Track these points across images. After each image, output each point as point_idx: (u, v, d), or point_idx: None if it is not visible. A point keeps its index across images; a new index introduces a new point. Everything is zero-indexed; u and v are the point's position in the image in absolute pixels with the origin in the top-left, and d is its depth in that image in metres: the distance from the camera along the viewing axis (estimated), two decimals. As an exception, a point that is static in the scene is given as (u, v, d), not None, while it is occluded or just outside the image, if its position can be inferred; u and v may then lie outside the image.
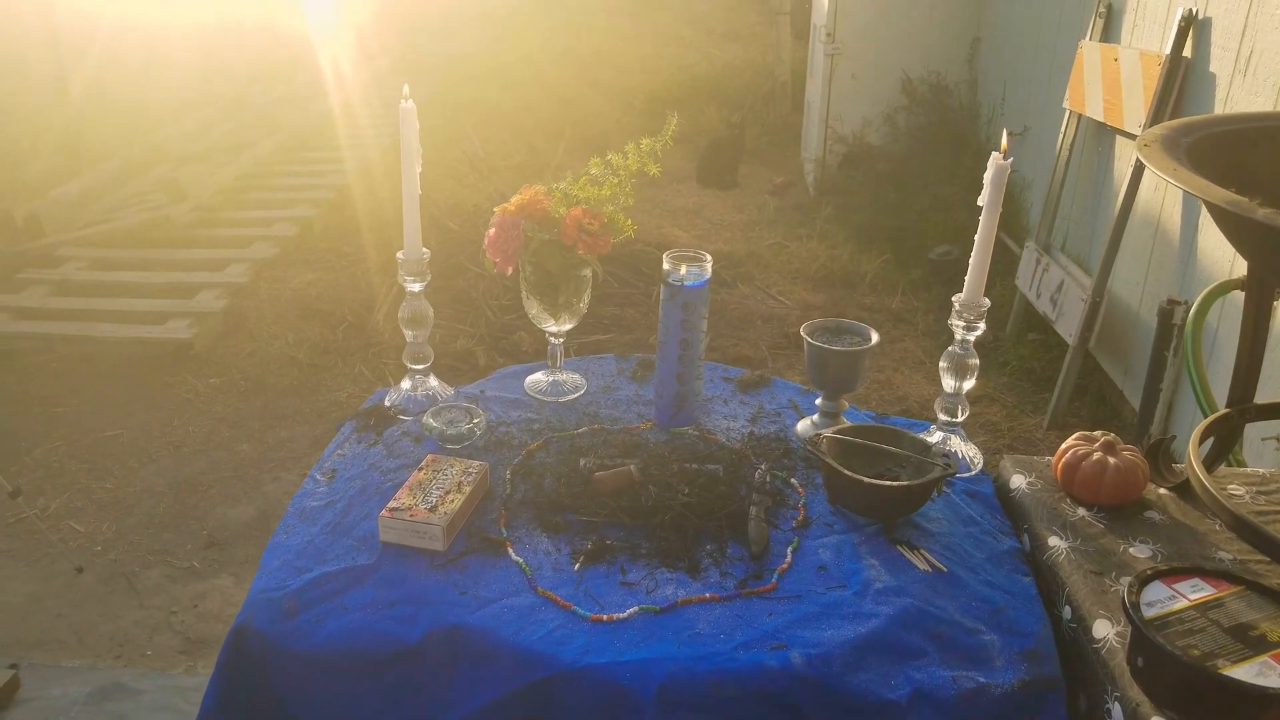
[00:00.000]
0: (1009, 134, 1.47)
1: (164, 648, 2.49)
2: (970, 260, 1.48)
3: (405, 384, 1.67)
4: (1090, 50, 3.89)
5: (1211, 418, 1.37)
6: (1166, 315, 3.10)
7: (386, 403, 1.66)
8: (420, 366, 1.66)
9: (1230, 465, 2.17)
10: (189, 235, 4.99)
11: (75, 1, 5.36)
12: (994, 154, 1.41)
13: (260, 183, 5.86)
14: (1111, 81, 3.67)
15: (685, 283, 1.48)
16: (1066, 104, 4.11)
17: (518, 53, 8.67)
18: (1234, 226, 1.05)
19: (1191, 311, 2.52)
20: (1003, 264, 4.79)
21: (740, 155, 6.59)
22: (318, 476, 1.47)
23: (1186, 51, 3.22)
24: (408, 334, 1.64)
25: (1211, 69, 3.09)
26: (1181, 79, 3.25)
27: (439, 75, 8.25)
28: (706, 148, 6.59)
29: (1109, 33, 3.92)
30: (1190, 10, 3.18)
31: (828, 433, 1.40)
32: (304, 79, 7.47)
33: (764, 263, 5.06)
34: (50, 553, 2.80)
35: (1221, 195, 0.97)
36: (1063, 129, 4.14)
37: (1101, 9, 3.94)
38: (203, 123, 6.46)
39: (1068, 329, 3.76)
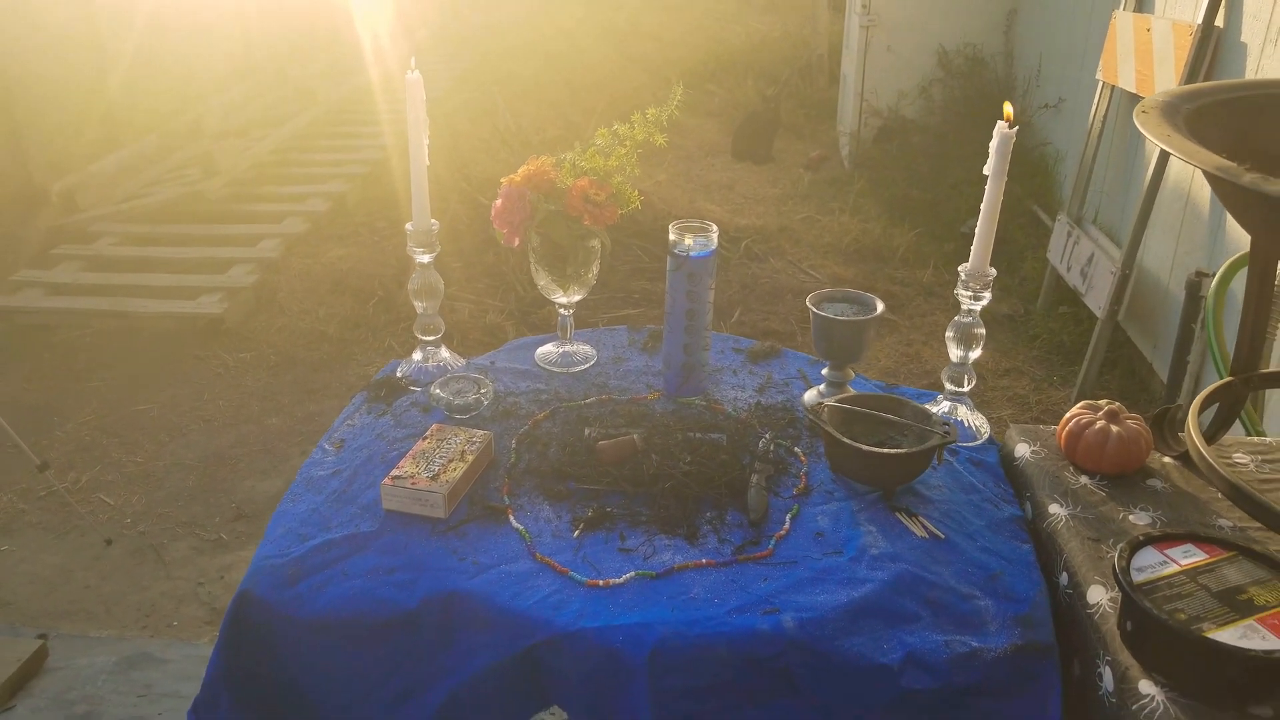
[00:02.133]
0: (1013, 118, 1.46)
1: (190, 618, 2.55)
2: (976, 230, 1.47)
3: (416, 355, 1.70)
4: (1124, 20, 3.82)
5: (1213, 386, 1.36)
6: (1194, 287, 3.05)
7: (398, 374, 1.69)
8: (431, 338, 1.69)
9: (1250, 435, 2.15)
10: (222, 210, 5.06)
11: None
12: (999, 123, 1.40)
13: (295, 157, 5.92)
14: (1144, 52, 3.60)
15: (691, 253, 1.49)
16: (1100, 75, 4.03)
17: (557, 26, 8.66)
18: (1226, 192, 1.04)
19: (1214, 282, 2.49)
20: (1035, 237, 4.74)
21: (775, 129, 6.55)
22: (326, 446, 1.50)
23: (1219, 21, 3.16)
24: (418, 305, 1.67)
25: (1243, 38, 3.02)
26: (1213, 49, 3.18)
27: (478, 48, 8.26)
28: (742, 121, 6.56)
29: (1143, 3, 3.84)
30: (1225, -23, 3.11)
31: (829, 401, 1.41)
32: (343, 52, 7.52)
33: (796, 237, 5.04)
34: (80, 525, 2.88)
35: (1211, 161, 0.96)
36: (1095, 101, 4.07)
37: (1136, -23, 3.86)
38: (241, 97, 6.52)
39: (1097, 301, 3.72)
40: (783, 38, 8.61)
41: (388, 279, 4.43)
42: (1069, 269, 4.10)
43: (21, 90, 4.77)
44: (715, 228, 1.52)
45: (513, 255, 4.44)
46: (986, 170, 1.42)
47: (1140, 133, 3.93)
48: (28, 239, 4.65)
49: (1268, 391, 2.76)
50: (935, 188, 5.34)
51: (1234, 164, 0.93)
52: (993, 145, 1.41)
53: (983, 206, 1.45)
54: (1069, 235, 4.14)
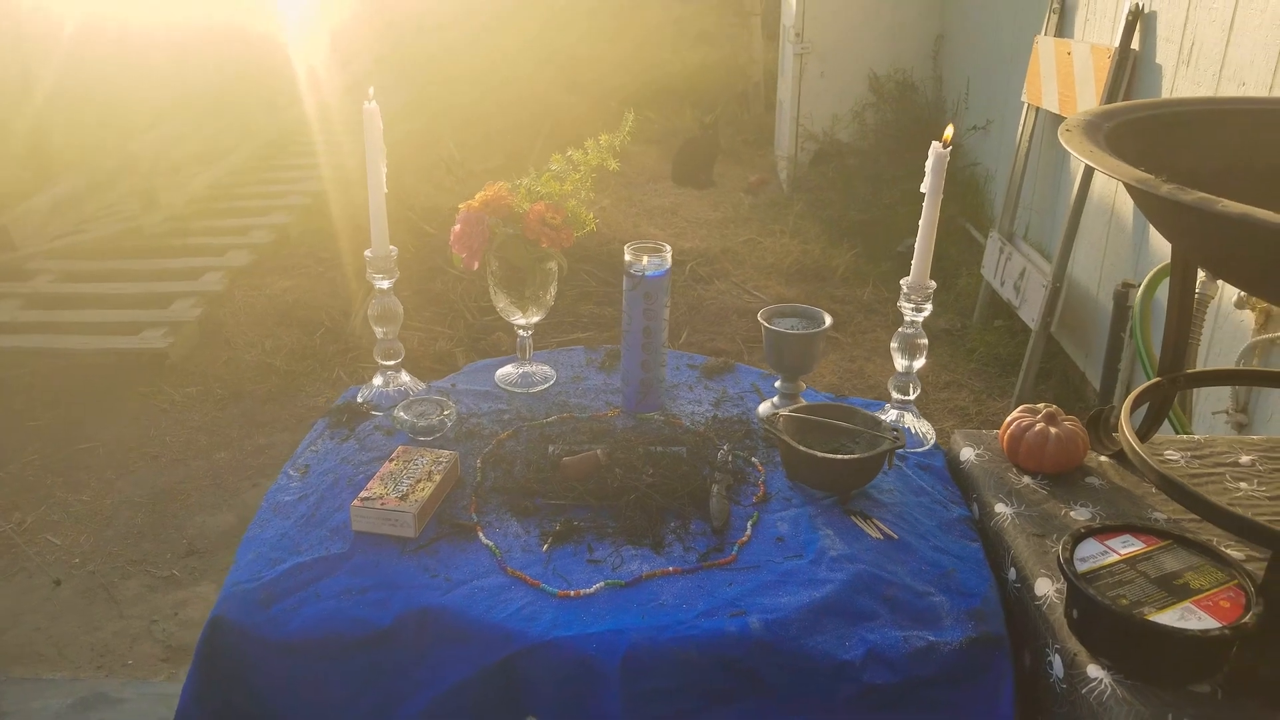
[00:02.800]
0: (949, 140, 1.54)
1: (146, 656, 2.51)
2: (915, 245, 1.54)
3: (377, 380, 1.72)
4: (1045, 45, 3.99)
5: (1142, 386, 1.44)
6: (1122, 298, 3.19)
7: (359, 399, 1.71)
8: (391, 362, 1.71)
9: (1177, 435, 2.26)
10: (163, 245, 5.00)
11: (40, 5, 5.35)
12: (934, 143, 1.48)
13: (235, 190, 5.87)
14: (1065, 74, 3.76)
15: (646, 273, 1.54)
16: (1025, 98, 4.20)
17: (497, 55, 8.71)
18: (1146, 203, 1.12)
19: (1140, 291, 2.61)
20: (969, 254, 4.89)
21: (715, 154, 6.67)
22: (291, 472, 1.51)
23: (1135, 44, 3.32)
24: (378, 330, 1.69)
25: (1158, 60, 3.18)
26: (1130, 70, 3.34)
27: (417, 79, 8.28)
28: (681, 147, 6.66)
29: (1063, 28, 4.02)
30: (1137, 4, 3.28)
31: (784, 412, 1.46)
32: (279, 85, 7.48)
33: (739, 259, 5.14)
34: (27, 567, 2.82)
35: (1131, 174, 1.03)
36: (1021, 122, 4.24)
37: (1055, 5, 4.04)
38: (176, 131, 6.45)
39: (1030, 314, 3.85)
40: (718, 65, 8.76)
41: (334, 310, 4.41)
42: (1003, 284, 4.24)
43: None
44: (668, 248, 1.57)
45: (460, 283, 4.46)
46: (924, 188, 1.50)
47: (1065, 152, 4.10)
48: (-40, 278, 4.55)
49: (1197, 396, 2.89)
50: (871, 208, 5.48)
51: (1152, 177, 1.01)
52: (929, 165, 1.48)
53: (921, 222, 1.52)
54: (1001, 251, 4.28)
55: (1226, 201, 0.94)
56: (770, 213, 5.89)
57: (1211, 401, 2.87)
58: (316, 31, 7.96)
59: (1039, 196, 4.28)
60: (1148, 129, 1.32)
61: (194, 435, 3.55)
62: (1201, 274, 2.67)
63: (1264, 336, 2.59)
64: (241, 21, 7.34)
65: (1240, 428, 2.69)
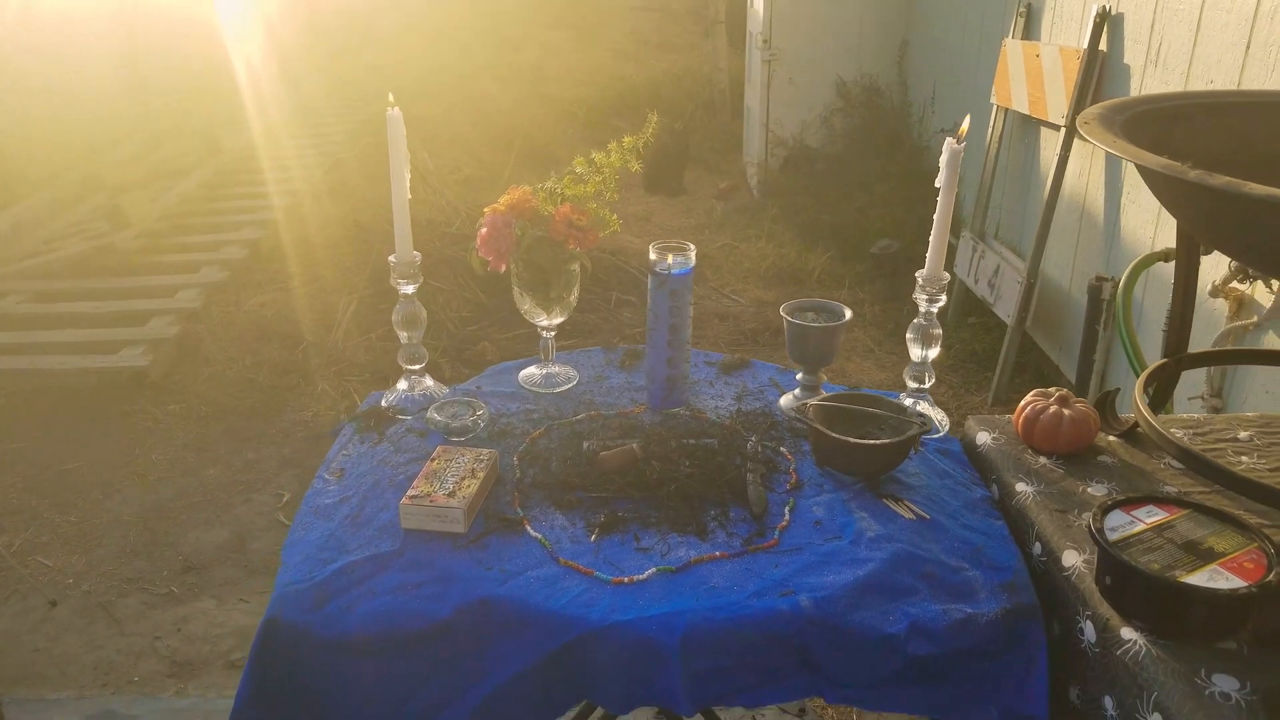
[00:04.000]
0: (964, 135, 1.60)
1: (152, 673, 2.49)
2: (930, 238, 1.60)
3: (402, 384, 1.74)
4: (1013, 48, 4.10)
5: (1154, 366, 1.50)
6: (1095, 291, 3.29)
7: (384, 404, 1.73)
8: (416, 367, 1.73)
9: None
10: (134, 263, 4.95)
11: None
12: (949, 139, 1.53)
13: (204, 207, 5.83)
14: (1034, 76, 3.87)
15: (672, 271, 1.58)
16: (994, 100, 4.31)
17: (463, 72, 8.73)
18: (1167, 189, 1.18)
19: (1121, 281, 2.70)
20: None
21: (685, 162, 6.74)
22: (326, 476, 1.53)
23: (1102, 45, 3.43)
24: (402, 335, 1.71)
25: (1126, 60, 3.29)
26: (1099, 71, 3.45)
27: (380, 93, 8.26)
28: (651, 156, 6.72)
29: (1030, 30, 4.13)
30: (1104, 6, 3.39)
31: (813, 401, 1.51)
32: (242, 101, 7.44)
33: (716, 264, 5.20)
34: (20, 589, 2.78)
35: (1157, 161, 1.09)
36: (991, 124, 4.35)
37: (1021, 8, 4.15)
38: (139, 148, 6.39)
39: (1006, 310, 3.95)
40: (684, 74, 8.86)
41: (314, 324, 4.40)
42: (976, 281, 4.34)
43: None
44: (693, 247, 1.61)
45: (442, 294, 4.47)
46: (938, 184, 1.55)
47: (1035, 151, 4.20)
48: (-73, 302, 4.46)
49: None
50: (843, 212, 5.58)
51: (1178, 163, 1.07)
52: (943, 160, 1.54)
53: (936, 216, 1.58)
54: (974, 250, 4.38)
55: (1253, 185, 1.00)
56: (743, 218, 5.96)
57: (1187, 388, 2.97)
58: (272, 49, 7.93)
59: (1010, 196, 4.39)
60: (1155, 121, 1.39)
61: (180, 453, 3.52)
62: (1177, 264, 2.77)
63: (1236, 324, 2.69)
64: (198, 40, 7.31)
65: (1216, 412, 2.80)
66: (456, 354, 4.07)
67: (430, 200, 4.86)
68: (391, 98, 1.59)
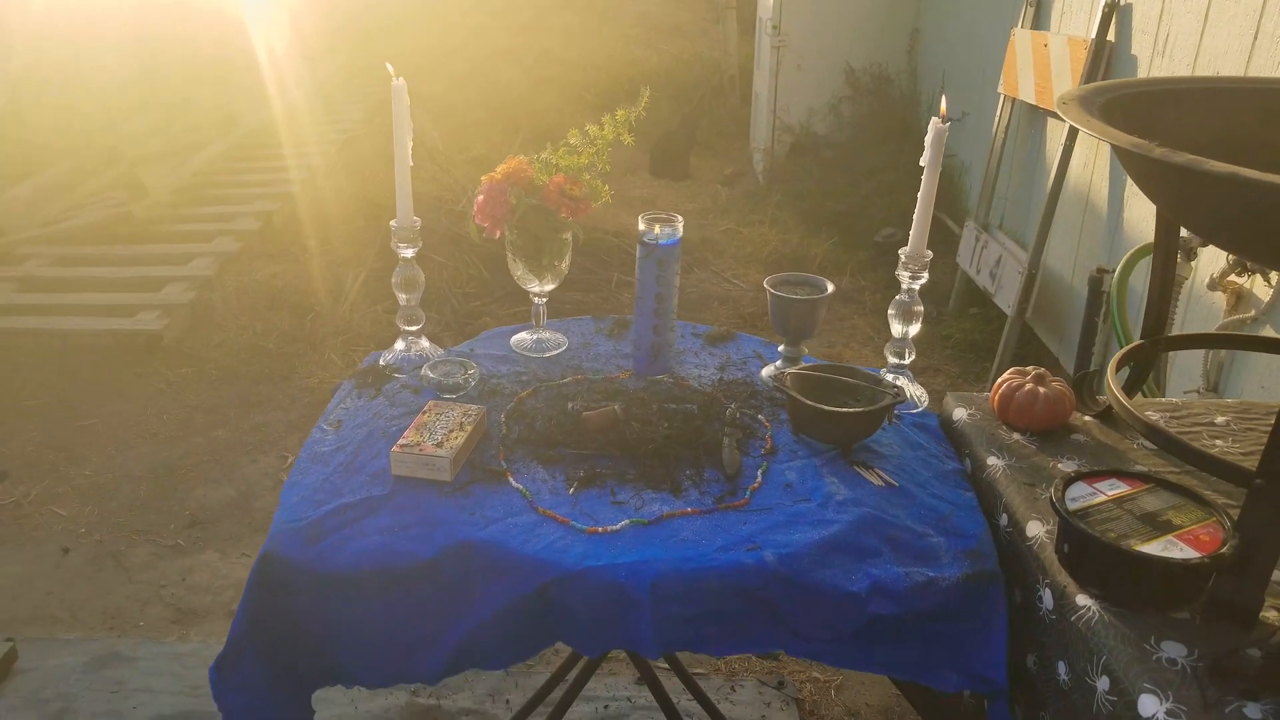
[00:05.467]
0: (946, 114, 1.64)
1: (156, 619, 2.57)
2: (914, 215, 1.64)
3: (399, 345, 1.80)
4: (1022, 37, 4.12)
5: (1128, 347, 1.55)
6: (1096, 283, 3.31)
7: (381, 363, 1.79)
8: (413, 328, 1.79)
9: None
10: (151, 231, 5.03)
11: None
12: (933, 118, 1.58)
13: (219, 179, 5.91)
14: (1042, 66, 3.89)
15: (660, 241, 1.63)
16: (1001, 89, 4.33)
17: (472, 53, 8.77)
18: (1137, 167, 1.22)
19: (1117, 271, 2.74)
20: (945, 244, 5.02)
21: (691, 146, 6.77)
22: (325, 427, 1.59)
23: (1110, 35, 3.45)
24: (401, 297, 1.76)
25: (1133, 51, 3.31)
26: (1107, 61, 3.47)
27: (395, 77, 8.31)
28: (658, 140, 6.76)
29: (1039, 20, 4.15)
30: (1112, -3, 3.41)
31: (791, 370, 1.56)
32: (261, 77, 7.50)
33: (719, 248, 5.24)
34: (35, 536, 2.87)
35: (1125, 139, 1.13)
36: (998, 113, 4.37)
37: (1031, -1, 4.17)
38: (158, 121, 6.47)
39: (1006, 301, 3.98)
40: (694, 59, 8.87)
41: (323, 294, 4.47)
42: (978, 272, 4.37)
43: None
44: (680, 218, 1.66)
45: (446, 269, 4.53)
46: (922, 162, 1.60)
47: (1041, 142, 4.22)
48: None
49: (1170, 374, 3.02)
50: (848, 199, 5.60)
51: (1145, 141, 1.11)
52: (928, 139, 1.58)
53: (920, 194, 1.62)
54: (977, 240, 4.41)
55: (1214, 162, 1.04)
56: (747, 204, 5.99)
57: (1184, 380, 3.01)
58: (287, 26, 7.99)
59: (1015, 186, 4.41)
60: (1138, 104, 1.42)
61: (191, 414, 3.60)
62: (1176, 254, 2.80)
63: (1234, 317, 2.72)
64: (215, 12, 7.37)
65: (1208, 405, 2.83)
66: (459, 328, 4.13)
67: (438, 178, 4.92)
68: (391, 69, 1.64)
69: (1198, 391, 2.90)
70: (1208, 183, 1.05)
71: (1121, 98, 1.38)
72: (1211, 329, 2.74)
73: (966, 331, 4.38)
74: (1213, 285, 2.73)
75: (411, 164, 1.67)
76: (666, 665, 2.09)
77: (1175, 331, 2.94)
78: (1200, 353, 2.81)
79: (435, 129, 6.23)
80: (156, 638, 2.46)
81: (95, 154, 5.73)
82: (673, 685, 2.05)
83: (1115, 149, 1.20)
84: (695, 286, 4.80)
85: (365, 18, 9.83)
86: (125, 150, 5.89)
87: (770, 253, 5.16)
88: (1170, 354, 3.04)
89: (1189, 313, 2.92)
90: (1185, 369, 2.97)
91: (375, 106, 7.47)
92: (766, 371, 1.74)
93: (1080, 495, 1.30)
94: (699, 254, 5.13)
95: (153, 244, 4.89)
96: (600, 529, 1.31)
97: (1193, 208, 1.20)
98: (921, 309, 1.70)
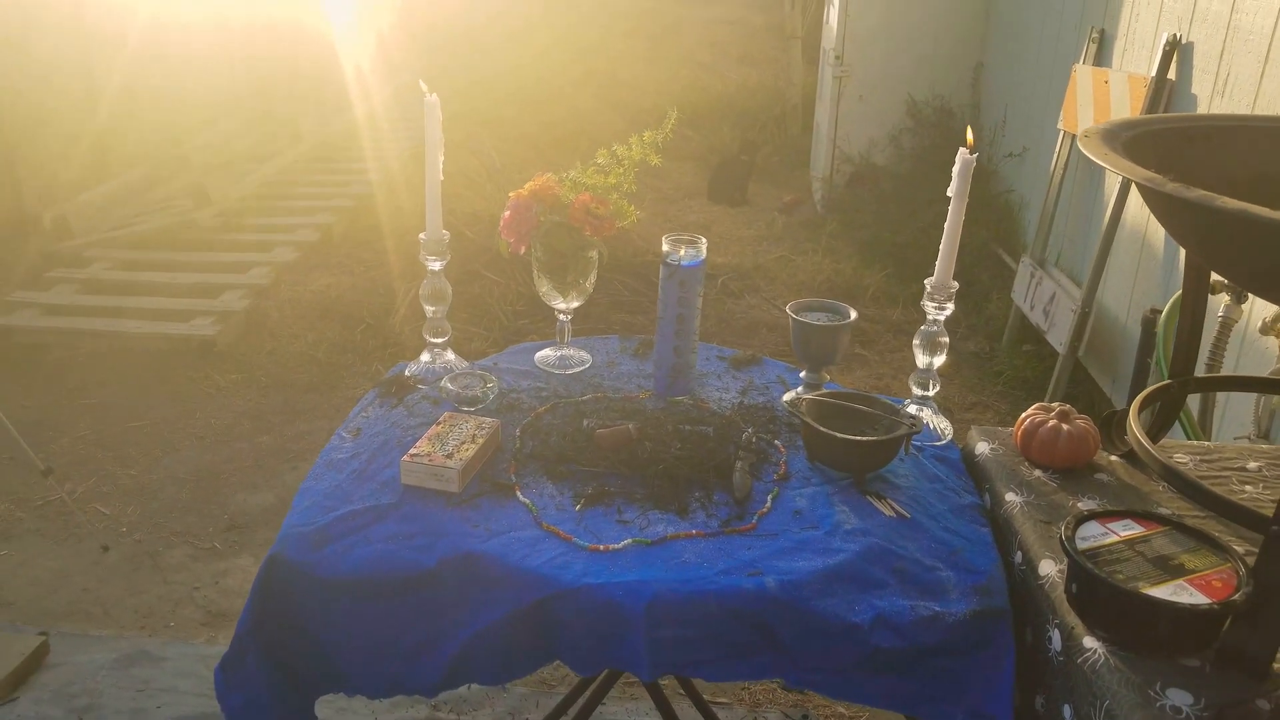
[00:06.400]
0: (974, 145, 1.62)
1: (187, 620, 2.63)
2: (940, 247, 1.62)
3: (425, 356, 1.83)
4: (1083, 73, 4.06)
5: (1152, 387, 1.51)
6: (1149, 323, 3.22)
7: (406, 373, 1.81)
8: (439, 340, 1.81)
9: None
10: (213, 239, 5.18)
11: (107, 6, 5.57)
12: (961, 149, 1.56)
13: (283, 190, 6.06)
14: (1102, 103, 3.83)
15: (682, 262, 1.63)
16: (1061, 125, 4.26)
17: (538, 74, 8.90)
18: (1156, 204, 1.20)
19: (1164, 314, 2.67)
20: (1000, 279, 4.94)
21: (750, 173, 6.77)
22: (343, 434, 1.62)
23: (1171, 74, 3.38)
24: (428, 309, 1.79)
25: (1193, 90, 3.24)
26: (1167, 99, 3.41)
27: (462, 94, 8.50)
28: (718, 165, 6.77)
29: (1101, 57, 4.09)
30: (1174, 35, 3.34)
31: (807, 395, 1.55)
32: (329, 92, 7.70)
33: (770, 275, 5.22)
34: (77, 532, 2.96)
35: (1140, 174, 1.11)
36: (1057, 149, 4.30)
37: (1094, 35, 4.11)
38: (228, 132, 6.68)
39: (1058, 338, 3.90)
40: (758, 88, 8.89)
41: (375, 307, 4.55)
42: (1032, 308, 4.29)
43: (14, 118, 4.89)
44: (704, 240, 1.66)
45: (496, 286, 4.59)
46: (950, 192, 1.58)
47: (1099, 179, 4.15)
48: (21, 263, 4.74)
49: (1220, 421, 2.94)
50: (905, 231, 5.55)
51: (1159, 175, 1.09)
52: (955, 169, 1.56)
53: (946, 225, 1.60)
54: (1032, 276, 4.34)
55: (1225, 198, 1.02)
56: (804, 232, 5.97)
57: (1234, 427, 2.92)
58: (365, 41, 8.19)
59: (1072, 223, 4.33)
60: (1168, 141, 1.40)
61: (237, 419, 3.68)
62: (1227, 297, 2.72)
63: (1286, 363, 2.63)
64: (293, 28, 7.59)
65: (1261, 454, 2.73)
66: (506, 344, 4.16)
67: (495, 197, 4.99)
68: (424, 85, 1.68)
69: (1249, 438, 2.81)
70: (1221, 219, 1.02)
71: (1151, 133, 1.35)
72: (1265, 374, 2.65)
73: (1018, 369, 4.30)
74: (1265, 329, 2.65)
75: (442, 178, 1.70)
76: (684, 692, 2.07)
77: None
78: (1252, 399, 2.72)
79: (495, 150, 6.34)
80: (186, 638, 2.51)
81: (165, 163, 5.93)
82: (694, 716, 2.03)
83: (1137, 186, 1.18)
84: (745, 313, 4.79)
85: (435, 31, 10.04)
86: (194, 159, 6.09)
87: (823, 281, 5.13)
88: (1222, 400, 2.96)
89: (1243, 357, 2.84)
90: (1236, 416, 2.88)
91: (448, 115, 7.60)
92: (787, 397, 1.73)
93: (1092, 535, 1.27)
94: (751, 280, 5.12)
95: (214, 252, 5.04)
96: (602, 547, 1.31)
97: (1210, 244, 1.17)
98: (946, 340, 1.68)
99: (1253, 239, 1.04)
